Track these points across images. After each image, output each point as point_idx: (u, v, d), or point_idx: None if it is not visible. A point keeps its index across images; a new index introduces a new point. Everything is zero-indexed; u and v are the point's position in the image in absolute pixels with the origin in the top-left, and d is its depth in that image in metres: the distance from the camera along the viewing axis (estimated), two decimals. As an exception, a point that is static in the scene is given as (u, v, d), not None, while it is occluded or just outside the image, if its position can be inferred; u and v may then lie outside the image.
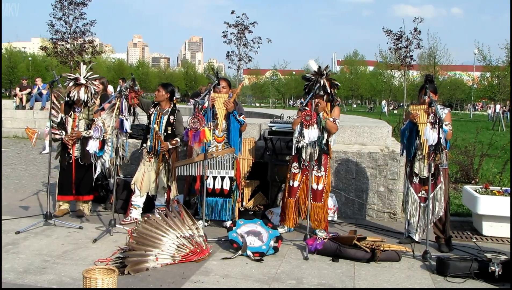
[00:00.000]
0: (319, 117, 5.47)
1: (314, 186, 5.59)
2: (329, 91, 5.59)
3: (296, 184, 5.68)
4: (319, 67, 5.65)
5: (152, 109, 6.08)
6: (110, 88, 9.59)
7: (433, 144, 4.92)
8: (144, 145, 6.07)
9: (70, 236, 5.44)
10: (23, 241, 5.17)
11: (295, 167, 5.69)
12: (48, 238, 5.34)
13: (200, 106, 5.50)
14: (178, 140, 6.06)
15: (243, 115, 5.95)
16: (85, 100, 6.15)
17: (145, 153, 6.07)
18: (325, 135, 5.56)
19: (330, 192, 5.92)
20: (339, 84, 5.84)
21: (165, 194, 6.17)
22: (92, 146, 5.46)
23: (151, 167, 6.05)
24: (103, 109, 5.65)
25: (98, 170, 5.92)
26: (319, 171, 5.61)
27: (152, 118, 6.05)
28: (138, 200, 6.13)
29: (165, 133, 6.03)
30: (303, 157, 5.56)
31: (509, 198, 5.93)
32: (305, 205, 5.60)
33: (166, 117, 6.06)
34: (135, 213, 6.12)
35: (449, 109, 5.53)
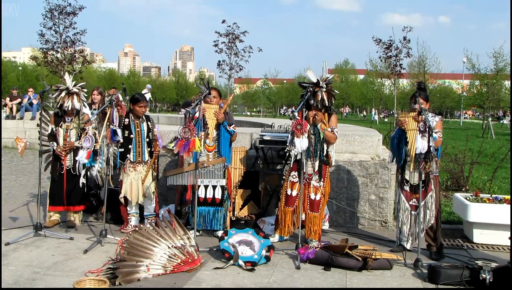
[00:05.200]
0: (317, 128, 5.47)
1: (312, 196, 5.59)
2: (327, 104, 5.52)
3: (294, 193, 5.65)
4: (318, 80, 5.52)
5: (127, 119, 6.04)
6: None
7: (423, 152, 4.95)
8: (128, 156, 6.03)
9: (60, 247, 5.40)
10: (13, 253, 5.12)
11: (294, 177, 5.65)
12: (38, 249, 5.29)
13: (191, 116, 5.51)
14: (160, 143, 6.31)
15: (233, 125, 5.97)
16: (78, 109, 6.17)
17: (129, 164, 6.04)
18: (325, 146, 5.55)
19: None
20: (337, 91, 5.78)
21: (154, 202, 6.18)
22: (82, 156, 5.45)
23: (138, 176, 6.04)
24: (104, 113, 5.74)
25: (82, 180, 5.94)
26: (318, 181, 5.60)
27: (131, 128, 6.03)
28: (133, 208, 6.14)
29: (147, 139, 6.10)
30: (304, 170, 5.52)
31: (499, 205, 5.98)
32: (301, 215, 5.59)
33: (145, 124, 6.11)
34: (134, 221, 6.15)
35: (440, 117, 5.57)
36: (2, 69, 55.50)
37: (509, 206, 5.88)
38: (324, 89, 5.49)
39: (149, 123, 6.14)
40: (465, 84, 49.21)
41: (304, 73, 60.46)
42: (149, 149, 6.10)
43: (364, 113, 65.94)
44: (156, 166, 6.22)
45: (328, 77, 5.64)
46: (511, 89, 32.68)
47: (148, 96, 25.89)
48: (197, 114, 5.65)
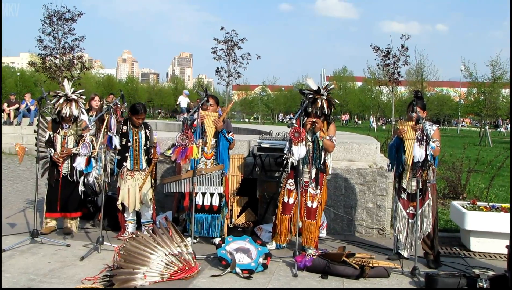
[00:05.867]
0: (316, 136, 5.47)
1: (309, 203, 5.58)
2: (326, 111, 5.52)
3: (291, 201, 5.64)
4: (319, 87, 5.52)
5: (125, 127, 6.04)
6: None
7: (420, 161, 4.96)
8: (124, 164, 6.02)
9: (57, 253, 5.38)
10: (9, 260, 5.10)
11: (291, 184, 5.64)
12: (35, 256, 5.27)
13: (189, 123, 5.51)
14: (158, 151, 6.32)
15: (231, 132, 5.97)
16: (77, 115, 6.17)
17: (126, 171, 6.03)
18: (323, 154, 5.54)
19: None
20: (337, 101, 5.80)
21: (151, 209, 6.17)
22: (80, 163, 5.44)
23: (135, 183, 6.03)
24: (102, 121, 5.73)
25: (81, 187, 5.87)
26: (315, 189, 5.60)
27: (129, 136, 6.04)
28: (131, 215, 6.14)
29: (145, 147, 6.12)
30: (301, 177, 5.52)
31: (496, 213, 5.99)
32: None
33: (143, 132, 6.13)
34: (131, 228, 6.14)
35: (437, 125, 5.58)
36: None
37: (506, 214, 5.89)
38: (325, 97, 5.50)
39: (147, 131, 6.14)
40: (463, 92, 49.35)
41: (303, 80, 60.66)
42: (146, 157, 6.11)
43: (356, 120, 65.92)
44: (154, 173, 6.21)
45: (327, 84, 5.65)
46: (511, 95, 32.71)
47: (186, 101, 25.67)
48: (195, 122, 5.64)
